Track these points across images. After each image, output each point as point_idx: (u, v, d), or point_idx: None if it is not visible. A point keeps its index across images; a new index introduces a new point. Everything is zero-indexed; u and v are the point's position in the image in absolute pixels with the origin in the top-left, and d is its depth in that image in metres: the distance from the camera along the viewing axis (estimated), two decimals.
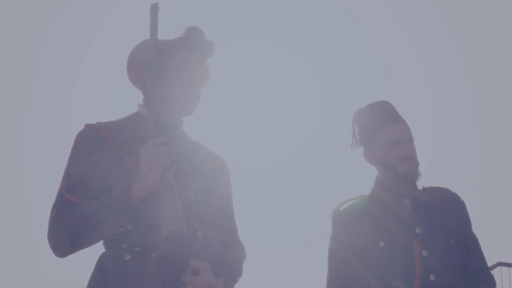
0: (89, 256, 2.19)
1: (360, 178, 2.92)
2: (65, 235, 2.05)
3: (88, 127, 2.22)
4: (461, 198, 2.77)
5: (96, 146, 2.17)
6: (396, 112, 2.76)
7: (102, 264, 2.15)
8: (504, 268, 10.47)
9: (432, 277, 2.52)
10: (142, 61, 2.24)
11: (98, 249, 2.16)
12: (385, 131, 2.70)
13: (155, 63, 2.18)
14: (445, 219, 2.66)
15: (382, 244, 2.57)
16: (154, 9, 2.20)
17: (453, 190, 2.80)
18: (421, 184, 2.74)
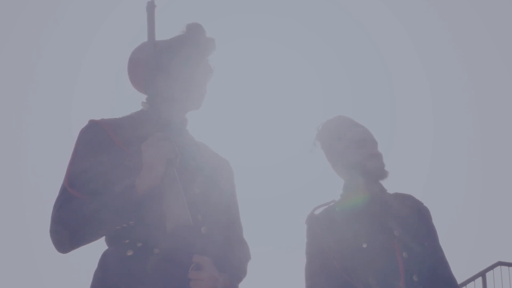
0: (91, 255, 2.20)
1: None
2: (67, 231, 2.05)
3: (92, 122, 2.22)
4: (425, 205, 2.80)
5: (100, 142, 2.16)
6: (354, 120, 2.79)
7: (104, 262, 2.14)
8: (504, 268, 10.46)
9: (415, 278, 2.56)
10: (143, 61, 2.23)
11: (101, 247, 2.17)
12: (348, 134, 2.71)
13: (154, 61, 2.18)
14: (415, 224, 2.70)
15: (365, 246, 2.58)
16: (151, 6, 2.19)
17: (417, 198, 2.83)
18: (389, 187, 2.77)
